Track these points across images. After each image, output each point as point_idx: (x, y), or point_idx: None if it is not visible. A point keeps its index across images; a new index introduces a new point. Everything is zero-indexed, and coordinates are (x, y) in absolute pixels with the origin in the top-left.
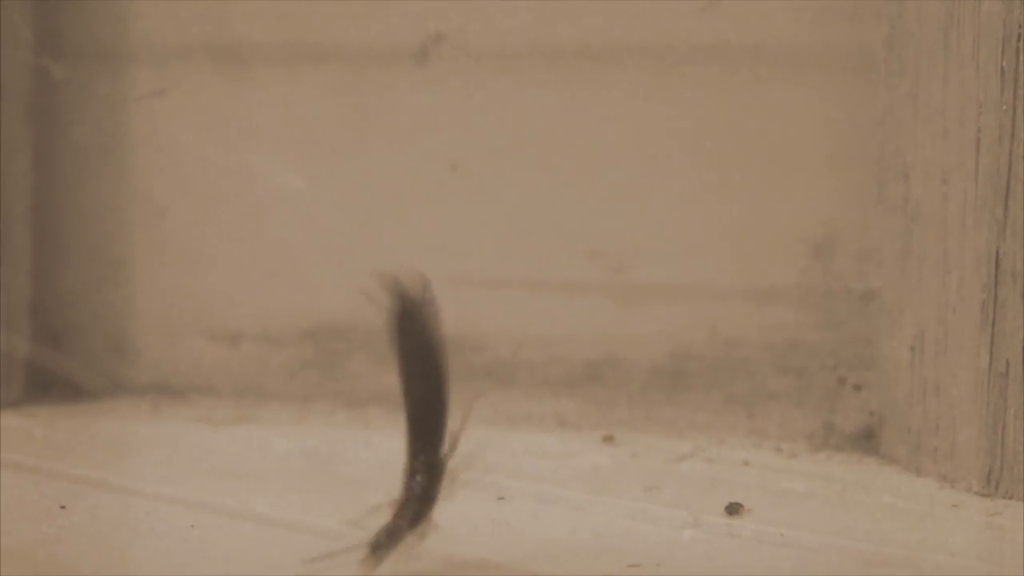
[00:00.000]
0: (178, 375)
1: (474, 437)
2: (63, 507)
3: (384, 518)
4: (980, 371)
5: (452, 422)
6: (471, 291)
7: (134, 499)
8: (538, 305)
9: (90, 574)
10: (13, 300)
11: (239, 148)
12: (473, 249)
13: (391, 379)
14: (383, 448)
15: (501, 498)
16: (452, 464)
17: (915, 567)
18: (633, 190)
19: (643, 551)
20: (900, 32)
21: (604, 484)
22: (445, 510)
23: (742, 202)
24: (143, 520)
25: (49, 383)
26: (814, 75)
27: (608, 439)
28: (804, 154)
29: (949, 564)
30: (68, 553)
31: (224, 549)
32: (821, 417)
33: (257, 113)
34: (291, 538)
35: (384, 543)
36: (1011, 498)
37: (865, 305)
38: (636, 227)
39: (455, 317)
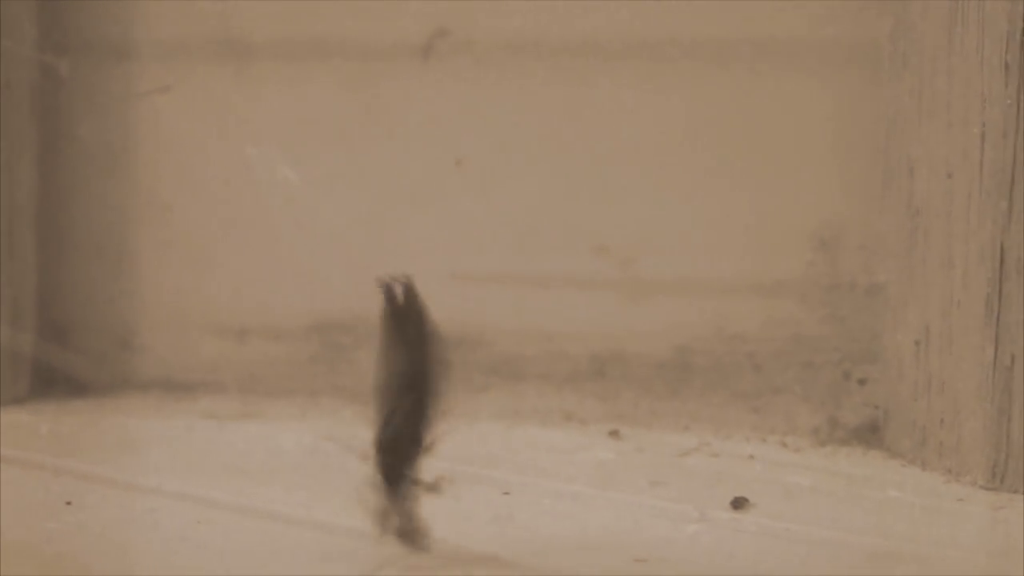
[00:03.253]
0: (184, 370)
1: (480, 431)
2: (69, 503)
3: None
4: (985, 365)
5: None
6: (476, 286)
7: (140, 495)
8: (544, 300)
9: (95, 570)
10: (19, 296)
11: (244, 144)
12: (478, 244)
13: None
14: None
15: (507, 493)
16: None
17: (920, 561)
18: (638, 185)
19: (649, 546)
20: (905, 27)
21: (610, 479)
22: (451, 504)
23: (747, 197)
24: (149, 516)
25: (54, 379)
26: (819, 70)
27: (614, 434)
28: (809, 149)
29: (954, 558)
30: (73, 549)
31: (230, 545)
32: (826, 411)
33: (262, 109)
34: (297, 534)
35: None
36: (1016, 492)
37: (870, 299)
38: (642, 222)
39: (460, 312)
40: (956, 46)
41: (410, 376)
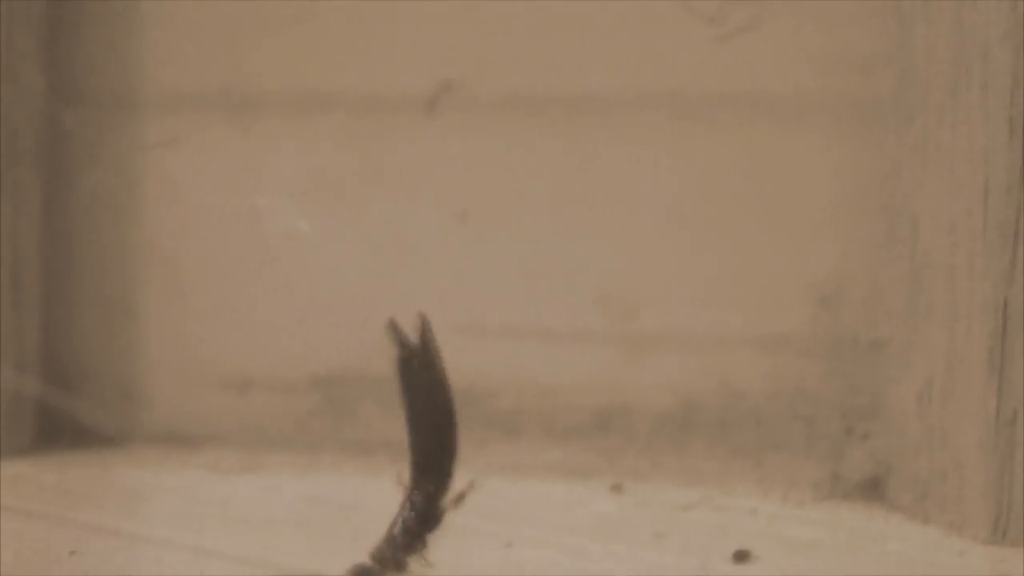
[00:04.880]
0: (187, 423)
1: (483, 484)
2: (72, 552)
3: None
4: (987, 420)
5: (457, 467)
6: (480, 339)
7: (143, 546)
8: (546, 353)
9: None
10: (24, 347)
11: (250, 197)
12: (482, 297)
13: (400, 427)
14: (392, 496)
15: (509, 545)
16: (449, 506)
17: None
18: (641, 238)
19: None
20: (908, 82)
21: (612, 532)
22: (454, 555)
23: (750, 250)
24: (152, 566)
25: (59, 430)
26: (822, 125)
27: (616, 487)
28: (811, 203)
29: None
30: None
31: None
32: (828, 466)
33: (268, 162)
34: None
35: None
36: (1017, 547)
37: (873, 354)
38: (644, 275)
39: (464, 365)
40: (960, 101)
41: (427, 428)
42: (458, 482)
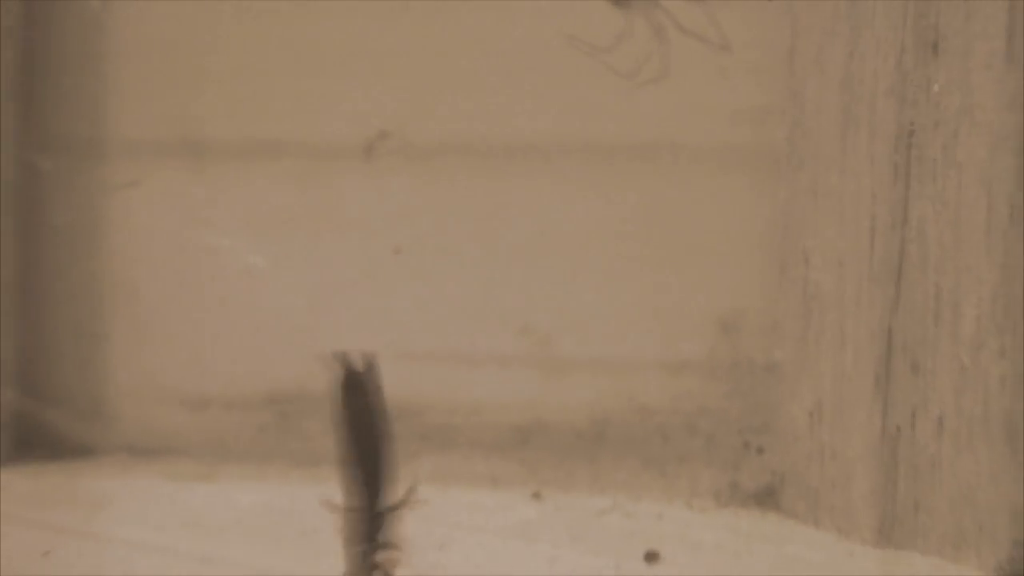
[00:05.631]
0: (150, 437)
1: (416, 493)
2: (46, 553)
3: None
4: (873, 435)
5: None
6: (412, 363)
7: (110, 545)
8: (473, 375)
9: None
10: (2, 369)
11: (205, 234)
12: (414, 325)
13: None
14: (334, 502)
15: (441, 547)
16: (400, 506)
17: None
18: (559, 273)
19: None
20: (800, 130)
21: (533, 535)
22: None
23: (658, 284)
24: (118, 564)
25: (32, 443)
26: (723, 170)
27: (536, 495)
28: (714, 240)
29: None
30: None
31: None
32: (727, 476)
33: (221, 202)
34: None
35: None
36: (901, 548)
37: (768, 376)
38: (561, 306)
39: (398, 386)
40: (848, 147)
41: (367, 445)
42: (396, 492)
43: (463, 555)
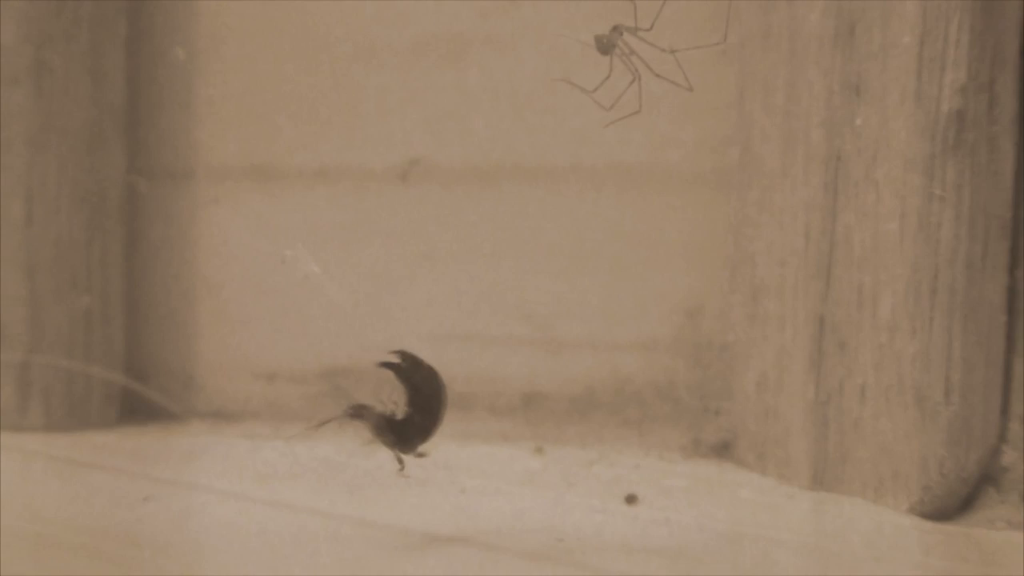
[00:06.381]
0: (230, 404)
1: (441, 447)
2: (146, 498)
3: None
4: (808, 401)
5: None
6: (438, 344)
7: (198, 492)
8: (487, 353)
9: (166, 543)
10: (112, 350)
11: (273, 243)
12: (440, 315)
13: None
14: (381, 456)
15: (463, 491)
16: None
17: (761, 539)
18: (557, 271)
19: (567, 529)
20: (750, 157)
21: (537, 482)
22: (420, 499)
23: (635, 280)
24: (204, 508)
25: (136, 411)
26: (686, 189)
27: (539, 450)
28: (680, 246)
29: (785, 536)
30: (152, 530)
31: (264, 529)
32: (691, 434)
33: (285, 218)
34: (310, 520)
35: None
36: (831, 491)
37: (723, 353)
38: (559, 298)
39: (431, 362)
40: (788, 171)
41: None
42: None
43: (480, 497)
